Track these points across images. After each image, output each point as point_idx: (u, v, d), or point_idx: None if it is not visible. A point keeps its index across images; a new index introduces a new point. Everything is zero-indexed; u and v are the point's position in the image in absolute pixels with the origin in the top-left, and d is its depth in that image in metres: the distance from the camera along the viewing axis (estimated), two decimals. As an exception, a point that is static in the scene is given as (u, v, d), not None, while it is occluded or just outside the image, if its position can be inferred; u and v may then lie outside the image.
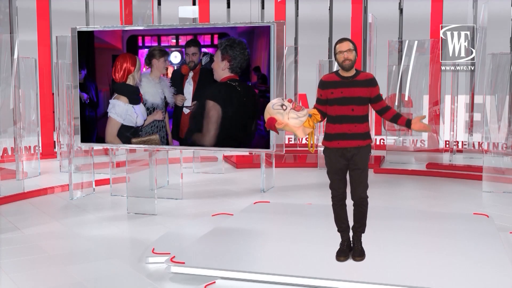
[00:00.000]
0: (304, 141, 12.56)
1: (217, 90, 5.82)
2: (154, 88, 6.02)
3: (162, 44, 6.05)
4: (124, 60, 6.02)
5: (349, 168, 4.19)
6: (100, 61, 6.20)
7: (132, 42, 6.10)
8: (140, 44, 6.08)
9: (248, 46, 5.71)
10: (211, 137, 5.89)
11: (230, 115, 5.82)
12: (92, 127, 6.30)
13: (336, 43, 4.15)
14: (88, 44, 6.26)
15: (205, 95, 5.91)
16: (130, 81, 6.06)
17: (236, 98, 5.78)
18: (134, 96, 6.07)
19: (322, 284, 3.82)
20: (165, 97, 6.03)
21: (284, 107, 4.01)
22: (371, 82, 4.14)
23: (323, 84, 4.20)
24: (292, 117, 4.00)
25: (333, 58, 13.48)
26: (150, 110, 6.08)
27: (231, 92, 5.78)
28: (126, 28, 6.15)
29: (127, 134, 6.14)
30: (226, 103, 5.81)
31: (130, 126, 6.10)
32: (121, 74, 6.00)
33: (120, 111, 6.09)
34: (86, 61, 6.27)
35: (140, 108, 6.05)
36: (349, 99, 4.08)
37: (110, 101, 6.11)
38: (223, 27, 5.81)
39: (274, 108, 4.02)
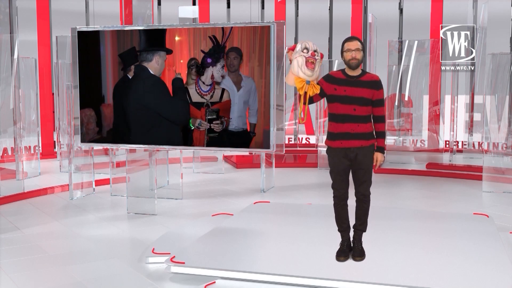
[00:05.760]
0: (304, 141, 12.57)
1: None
2: None
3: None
4: None
5: (352, 168, 4.17)
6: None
7: None
8: None
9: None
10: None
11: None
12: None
13: (345, 41, 4.11)
14: None
15: None
16: None
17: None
18: None
19: (322, 284, 3.82)
20: None
21: (306, 51, 3.91)
22: (376, 85, 4.11)
23: (329, 78, 4.14)
24: (297, 60, 3.91)
25: (333, 58, 13.55)
26: None
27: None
28: (126, 28, 6.15)
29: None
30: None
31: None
32: None
33: None
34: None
35: None
36: (351, 99, 4.06)
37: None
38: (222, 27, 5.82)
39: (299, 43, 3.96)
